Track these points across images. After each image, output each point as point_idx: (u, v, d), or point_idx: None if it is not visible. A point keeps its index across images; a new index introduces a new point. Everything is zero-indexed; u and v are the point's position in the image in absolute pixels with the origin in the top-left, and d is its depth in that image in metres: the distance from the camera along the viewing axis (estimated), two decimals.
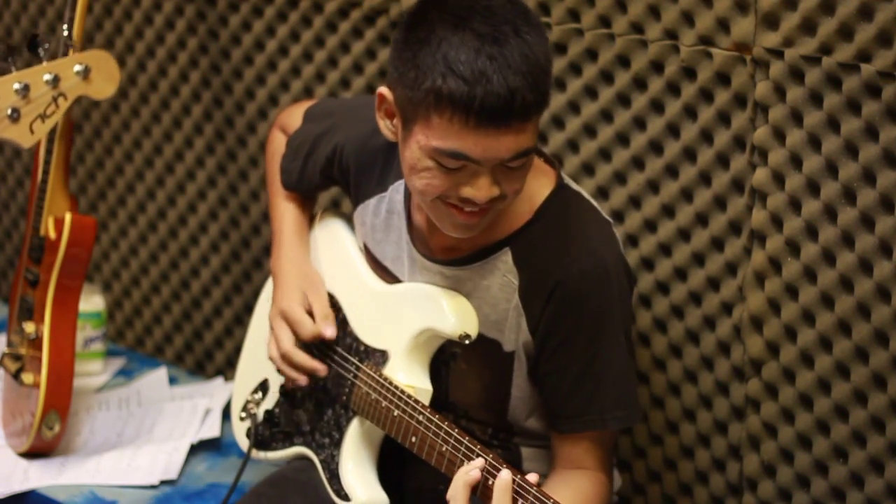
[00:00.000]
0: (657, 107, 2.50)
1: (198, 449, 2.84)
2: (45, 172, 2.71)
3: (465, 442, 2.11)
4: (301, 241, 2.50)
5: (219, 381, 3.10)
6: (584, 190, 2.59)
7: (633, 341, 2.30)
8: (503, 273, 2.23)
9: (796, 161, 2.34)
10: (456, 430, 2.13)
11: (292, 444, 2.43)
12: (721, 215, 2.46)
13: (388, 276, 2.36)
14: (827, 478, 2.42)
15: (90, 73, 2.56)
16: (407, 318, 2.27)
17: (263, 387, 2.50)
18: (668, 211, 2.52)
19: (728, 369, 2.51)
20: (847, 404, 2.36)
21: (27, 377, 2.73)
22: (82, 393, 3.01)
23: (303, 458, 2.42)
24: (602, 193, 2.59)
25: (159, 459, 2.78)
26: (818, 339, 2.38)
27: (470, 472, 2.06)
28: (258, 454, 2.49)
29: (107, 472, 2.75)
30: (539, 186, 2.23)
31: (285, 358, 2.38)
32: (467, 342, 2.22)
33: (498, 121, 2.02)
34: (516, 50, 2.02)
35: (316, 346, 2.40)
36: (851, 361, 2.34)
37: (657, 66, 2.47)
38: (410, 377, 2.26)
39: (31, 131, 2.54)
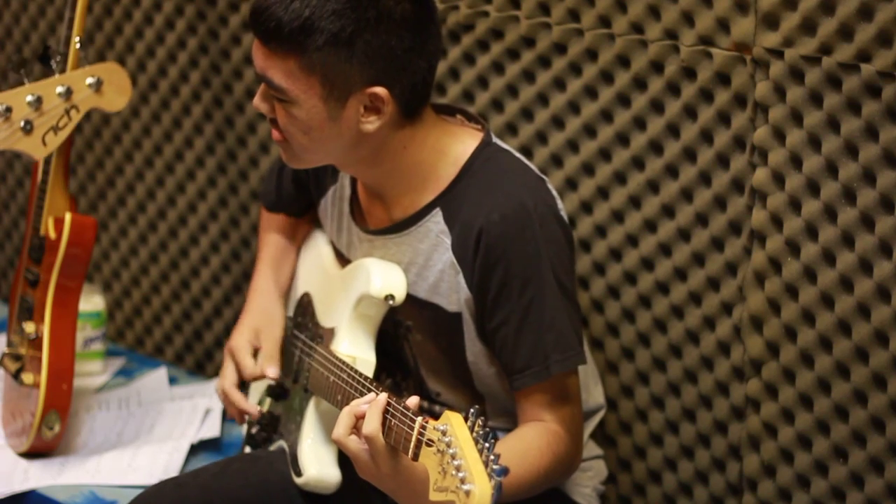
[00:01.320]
0: (657, 107, 2.49)
1: (198, 449, 2.84)
2: (45, 172, 2.70)
3: (365, 384, 2.16)
4: (273, 271, 2.59)
5: None
6: (583, 188, 2.60)
7: (572, 289, 2.30)
8: (436, 234, 2.28)
9: (796, 161, 2.34)
10: (369, 381, 2.17)
11: (275, 439, 2.48)
12: (721, 215, 2.46)
13: (346, 263, 2.43)
14: (827, 478, 2.42)
15: (102, 86, 2.59)
16: (347, 292, 2.34)
17: (262, 395, 2.53)
18: (668, 211, 2.52)
19: (728, 369, 2.51)
20: (847, 404, 2.36)
21: (27, 377, 2.73)
22: (82, 393, 3.01)
23: (280, 449, 2.45)
24: (602, 194, 2.59)
25: (159, 459, 2.78)
26: (818, 339, 2.37)
27: (360, 405, 2.09)
28: None
29: (107, 472, 2.75)
30: (465, 147, 2.29)
31: (224, 394, 2.49)
32: (391, 303, 2.28)
33: (254, 28, 2.20)
34: None
35: (289, 341, 2.48)
36: (851, 361, 2.34)
37: (657, 66, 2.47)
38: (353, 348, 2.31)
39: (44, 143, 2.56)
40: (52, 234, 2.70)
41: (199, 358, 3.25)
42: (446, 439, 1.87)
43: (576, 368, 2.29)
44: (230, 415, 2.53)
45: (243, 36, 2.99)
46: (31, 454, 2.77)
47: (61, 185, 2.71)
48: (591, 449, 2.50)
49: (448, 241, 2.27)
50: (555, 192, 2.32)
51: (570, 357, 2.26)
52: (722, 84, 2.41)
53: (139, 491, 2.69)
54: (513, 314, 2.24)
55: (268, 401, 2.51)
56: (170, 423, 2.92)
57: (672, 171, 2.51)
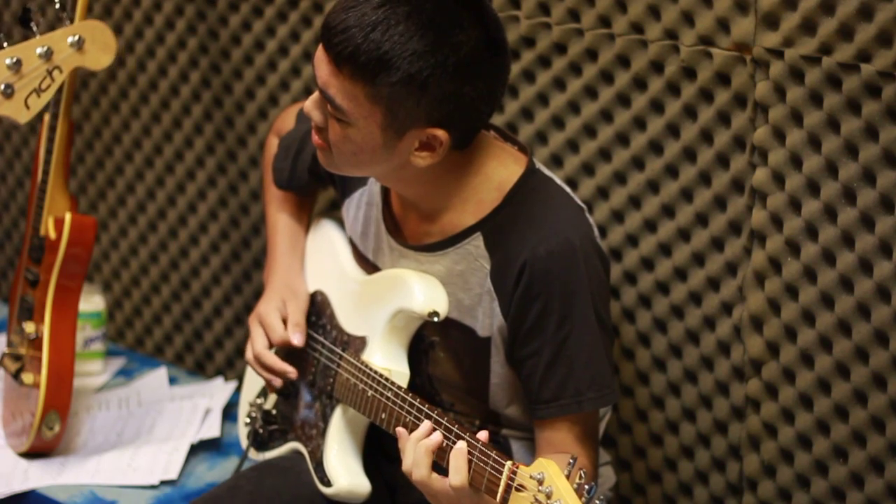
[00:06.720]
0: (657, 107, 2.50)
1: (198, 449, 2.84)
2: (45, 172, 2.70)
3: (424, 409, 2.14)
4: (293, 254, 2.55)
5: (219, 381, 3.10)
6: (583, 188, 2.60)
7: (609, 323, 2.30)
8: (475, 258, 2.26)
9: (796, 161, 2.35)
10: (418, 400, 2.16)
11: (287, 440, 2.46)
12: (721, 215, 2.46)
13: (371, 268, 2.41)
14: (827, 478, 2.42)
15: (84, 44, 2.53)
16: (382, 302, 2.31)
17: (265, 391, 2.52)
18: (668, 211, 2.53)
19: (728, 369, 2.51)
20: (847, 404, 2.36)
21: (27, 377, 2.73)
22: (82, 393, 3.01)
23: (296, 453, 2.44)
24: (602, 193, 2.59)
25: (159, 459, 2.78)
26: (818, 339, 2.38)
27: (432, 437, 2.09)
28: (257, 455, 2.51)
29: (107, 472, 2.75)
30: (509, 173, 2.26)
31: (257, 359, 2.44)
32: (436, 319, 2.26)
33: (327, 46, 2.14)
34: (382, 17, 2.10)
35: (307, 344, 2.44)
36: (851, 361, 2.34)
37: (657, 66, 2.47)
38: (387, 360, 2.29)
39: (27, 106, 2.52)
40: (52, 234, 2.70)
41: (199, 358, 3.25)
42: (545, 489, 1.88)
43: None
44: (265, 380, 2.45)
45: (243, 36, 2.99)
46: (31, 454, 2.77)
47: (61, 185, 2.71)
48: (601, 456, 2.49)
49: (487, 266, 2.25)
50: (592, 221, 2.31)
51: (605, 395, 2.26)
52: (722, 84, 2.41)
53: (139, 491, 2.70)
54: (546, 346, 2.22)
55: (273, 398, 2.49)
56: (170, 423, 2.92)
57: (672, 171, 2.51)
